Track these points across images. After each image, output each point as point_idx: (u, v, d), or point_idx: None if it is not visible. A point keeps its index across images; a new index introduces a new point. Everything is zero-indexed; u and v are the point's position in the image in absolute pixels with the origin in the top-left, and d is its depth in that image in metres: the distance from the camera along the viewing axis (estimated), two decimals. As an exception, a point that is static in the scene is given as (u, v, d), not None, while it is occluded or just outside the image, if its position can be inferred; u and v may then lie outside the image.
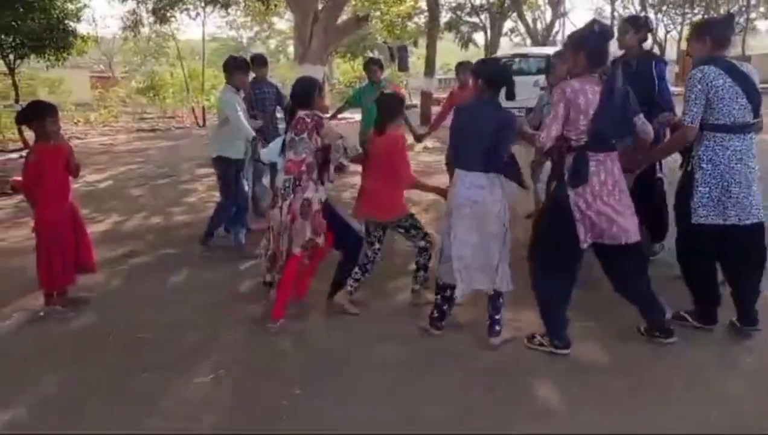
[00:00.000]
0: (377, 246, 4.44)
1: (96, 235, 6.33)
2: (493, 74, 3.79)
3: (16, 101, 15.03)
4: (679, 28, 35.98)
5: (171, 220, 7.48)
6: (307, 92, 4.13)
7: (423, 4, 23.99)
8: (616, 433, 2.97)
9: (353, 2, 14.76)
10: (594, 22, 3.55)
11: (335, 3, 11.29)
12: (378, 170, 4.25)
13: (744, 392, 3.29)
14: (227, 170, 5.77)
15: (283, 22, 40.40)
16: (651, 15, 35.38)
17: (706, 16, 32.79)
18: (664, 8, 34.47)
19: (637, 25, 4.95)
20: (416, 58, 26.27)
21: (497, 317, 3.87)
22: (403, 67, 14.05)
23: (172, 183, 9.96)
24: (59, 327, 4.33)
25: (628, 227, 3.52)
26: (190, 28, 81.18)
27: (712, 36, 3.70)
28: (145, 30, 21.40)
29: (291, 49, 48.47)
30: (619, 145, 3.58)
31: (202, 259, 5.71)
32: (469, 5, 27.97)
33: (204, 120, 19.13)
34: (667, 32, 36.79)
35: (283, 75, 31.64)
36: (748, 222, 3.65)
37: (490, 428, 3.07)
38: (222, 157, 5.74)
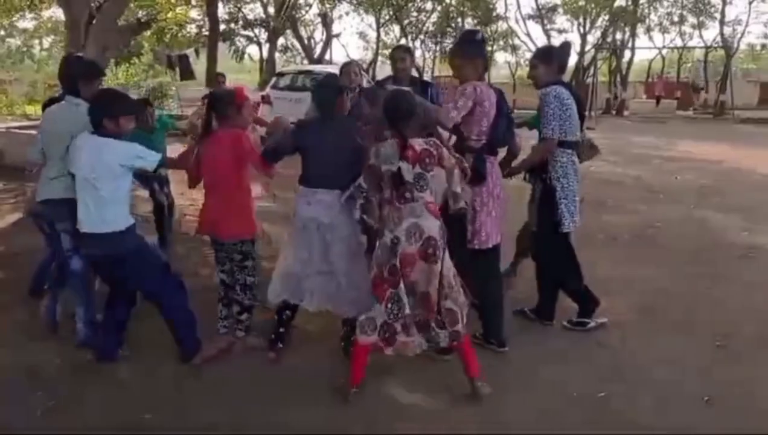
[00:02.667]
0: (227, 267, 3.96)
1: None
2: (318, 90, 3.85)
3: None
4: (432, 54, 39.20)
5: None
6: (409, 109, 3.30)
7: (194, 14, 23.45)
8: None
9: (133, 5, 13.86)
10: (567, 43, 4.16)
11: (114, 3, 10.53)
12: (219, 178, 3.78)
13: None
14: None
15: (28, 21, 36.34)
16: (410, 43, 38.16)
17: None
18: (421, 36, 37.29)
19: (411, 52, 5.36)
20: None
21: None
22: (188, 75, 13.49)
23: None
24: None
25: (499, 230, 3.82)
26: None
27: (560, 61, 4.22)
28: None
29: (37, 50, 43.77)
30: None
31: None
32: (242, 18, 27.84)
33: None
34: (425, 58, 39.94)
35: (32, 78, 28.55)
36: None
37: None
38: None
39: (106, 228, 3.46)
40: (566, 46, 4.59)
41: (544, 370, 3.84)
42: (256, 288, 3.95)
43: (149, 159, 3.58)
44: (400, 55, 5.01)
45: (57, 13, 29.24)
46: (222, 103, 3.81)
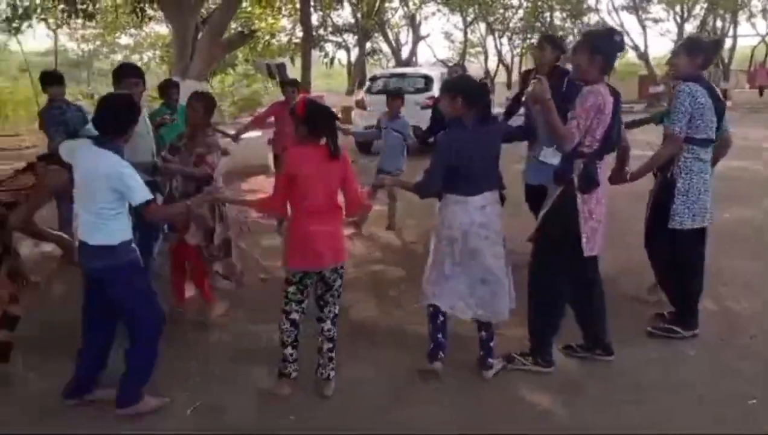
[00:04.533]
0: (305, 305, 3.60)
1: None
2: (474, 90, 3.57)
3: None
4: (519, 51, 38.60)
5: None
6: None
7: (284, 22, 24.09)
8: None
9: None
10: (612, 30, 3.73)
11: (220, 17, 10.99)
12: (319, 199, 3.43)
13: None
14: None
15: (128, 37, 38.57)
16: (496, 40, 37.82)
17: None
18: (508, 34, 36.82)
19: (554, 43, 5.18)
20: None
21: (492, 345, 3.71)
22: (286, 83, 13.90)
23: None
24: None
25: (604, 236, 3.67)
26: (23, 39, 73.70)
27: (705, 55, 4.03)
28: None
29: (139, 65, 46.26)
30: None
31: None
32: (332, 24, 28.34)
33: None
34: (513, 56, 39.43)
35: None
36: (709, 224, 4.10)
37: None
38: None
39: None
40: (718, 43, 4.40)
41: (681, 374, 3.72)
42: None
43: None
44: (542, 45, 5.13)
45: (156, 28, 30.91)
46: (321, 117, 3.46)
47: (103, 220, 3.17)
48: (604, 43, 3.58)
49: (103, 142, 3.22)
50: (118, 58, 50.98)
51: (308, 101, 3.58)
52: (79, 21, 15.02)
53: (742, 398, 3.42)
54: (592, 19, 33.57)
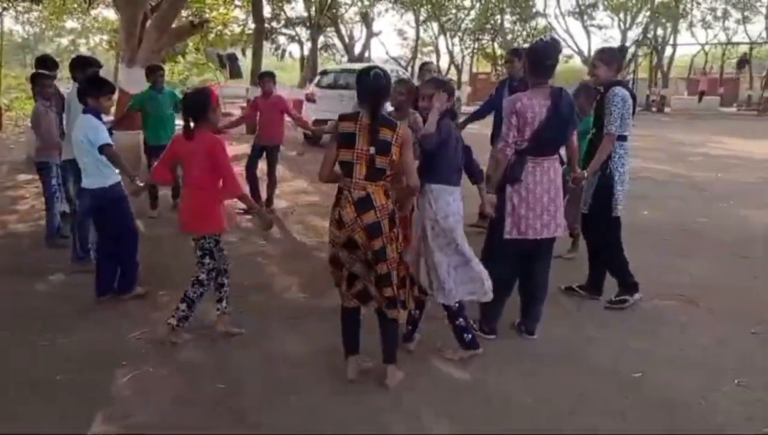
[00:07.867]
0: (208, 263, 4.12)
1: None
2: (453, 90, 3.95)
3: None
4: (470, 52, 39.16)
5: (8, 229, 6.88)
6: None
7: (236, 13, 23.97)
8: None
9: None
10: (550, 38, 4.18)
11: (169, 6, 10.90)
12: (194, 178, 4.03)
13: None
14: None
15: (75, 21, 37.45)
16: (448, 40, 38.26)
17: (493, 42, 36.29)
18: (459, 34, 37.29)
19: (520, 55, 5.96)
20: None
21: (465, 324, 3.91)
22: (236, 74, 13.94)
23: (-10, 190, 9.02)
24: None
25: (556, 222, 4.01)
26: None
27: (618, 62, 4.66)
28: None
29: (84, 49, 45.02)
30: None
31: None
32: (284, 17, 28.26)
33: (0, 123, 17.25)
34: (464, 56, 39.98)
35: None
36: None
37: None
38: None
39: None
40: (624, 50, 5.16)
41: (582, 350, 4.10)
42: None
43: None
44: (510, 58, 6.44)
45: (104, 13, 30.24)
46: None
47: None
48: (530, 50, 4.11)
49: None
50: (64, 42, 49.67)
51: None
52: (26, 4, 14.67)
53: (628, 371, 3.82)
54: (540, 23, 34.50)
